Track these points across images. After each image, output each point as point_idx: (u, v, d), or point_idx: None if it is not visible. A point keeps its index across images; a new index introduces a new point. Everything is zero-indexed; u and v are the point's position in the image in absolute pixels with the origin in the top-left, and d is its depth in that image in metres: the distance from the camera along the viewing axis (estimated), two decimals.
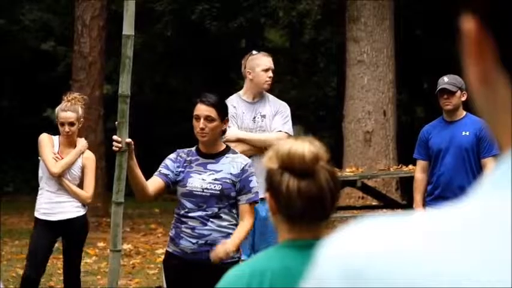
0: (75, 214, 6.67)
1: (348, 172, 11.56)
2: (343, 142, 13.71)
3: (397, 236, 0.78)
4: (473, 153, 6.59)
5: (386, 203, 12.02)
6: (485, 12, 0.79)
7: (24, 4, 18.87)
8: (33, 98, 19.39)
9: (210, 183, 4.83)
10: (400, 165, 11.75)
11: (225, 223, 4.84)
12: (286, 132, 6.18)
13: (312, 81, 19.74)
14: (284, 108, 6.34)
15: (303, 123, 19.21)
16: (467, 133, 6.61)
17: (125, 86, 4.92)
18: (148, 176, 4.92)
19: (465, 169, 6.58)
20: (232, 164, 4.87)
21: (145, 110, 17.68)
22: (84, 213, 6.73)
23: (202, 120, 4.84)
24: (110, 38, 14.28)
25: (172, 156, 4.96)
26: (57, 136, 6.74)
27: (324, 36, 17.95)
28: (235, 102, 6.18)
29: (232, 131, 5.96)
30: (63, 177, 6.64)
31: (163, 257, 5.19)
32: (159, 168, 4.93)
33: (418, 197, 6.85)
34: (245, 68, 6.30)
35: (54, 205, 6.64)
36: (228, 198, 4.83)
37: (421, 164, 6.88)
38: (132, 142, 4.81)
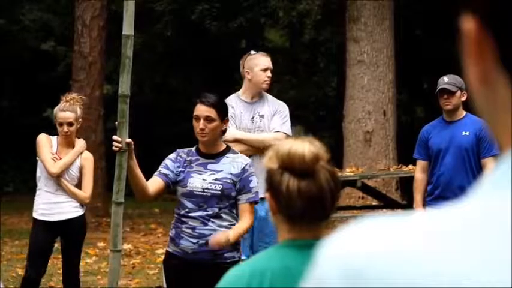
0: (74, 214, 6.67)
1: (348, 172, 11.56)
2: (343, 142, 13.71)
3: (397, 236, 0.78)
4: (473, 153, 6.59)
5: (387, 203, 12.02)
6: (485, 12, 0.79)
7: (24, 4, 18.88)
8: (33, 98, 19.39)
9: (210, 183, 4.83)
10: (400, 165, 11.75)
11: (225, 223, 4.83)
12: (284, 133, 6.16)
13: (312, 81, 19.74)
14: (283, 109, 6.32)
15: (303, 123, 19.21)
16: (467, 133, 6.61)
17: (124, 86, 4.92)
18: (148, 176, 4.92)
19: (465, 169, 6.58)
20: (232, 164, 4.87)
21: (145, 110, 17.69)
22: (82, 213, 6.73)
23: (202, 120, 4.84)
24: (110, 38, 14.29)
25: (172, 156, 4.96)
26: (55, 136, 6.74)
27: (324, 36, 17.96)
28: (233, 102, 6.17)
29: (230, 132, 5.96)
30: (62, 178, 6.64)
31: (163, 257, 5.19)
32: (159, 168, 4.93)
33: (418, 197, 6.85)
34: (243, 68, 6.30)
35: (52, 205, 6.63)
36: (229, 198, 4.83)
37: (421, 164, 6.88)
38: (132, 142, 4.81)
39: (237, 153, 5.01)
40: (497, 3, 0.78)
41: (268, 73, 6.27)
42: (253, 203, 4.87)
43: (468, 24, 0.81)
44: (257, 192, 4.86)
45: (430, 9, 16.12)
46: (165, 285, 5.02)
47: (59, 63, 18.34)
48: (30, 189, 6.89)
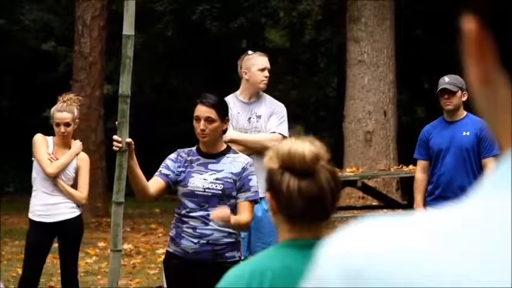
0: (71, 215, 6.67)
1: (348, 172, 11.56)
2: (343, 142, 13.71)
3: (398, 236, 0.78)
4: (474, 154, 6.59)
5: (387, 203, 12.02)
6: (486, 12, 0.79)
7: (24, 4, 18.88)
8: (33, 98, 19.39)
9: (211, 182, 4.83)
10: (400, 166, 11.76)
11: None
12: (280, 133, 6.14)
13: (313, 82, 19.74)
14: (280, 109, 6.29)
15: (304, 123, 19.21)
16: (468, 133, 6.61)
17: (125, 86, 4.92)
18: (148, 176, 4.92)
19: (466, 169, 6.58)
20: (233, 164, 4.87)
21: (146, 110, 17.69)
22: (79, 213, 6.74)
23: (202, 121, 4.84)
24: (110, 38, 14.29)
25: (172, 156, 4.96)
26: (52, 137, 6.74)
27: (325, 37, 17.96)
28: (231, 103, 6.15)
29: (227, 132, 5.95)
30: (58, 178, 6.64)
31: (163, 256, 5.19)
32: (160, 169, 4.93)
33: (418, 197, 6.85)
34: (241, 68, 6.28)
35: (49, 207, 6.62)
36: (230, 197, 4.83)
37: (421, 164, 6.88)
38: (133, 142, 4.81)
39: (238, 153, 5.01)
40: (497, 3, 0.78)
41: (266, 73, 6.26)
42: (252, 201, 4.85)
43: (469, 24, 0.81)
44: (257, 192, 4.85)
45: (430, 9, 16.12)
46: (165, 285, 5.02)
47: (60, 64, 18.35)
48: (31, 189, 6.88)
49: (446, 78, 6.67)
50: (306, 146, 2.40)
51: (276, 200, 2.43)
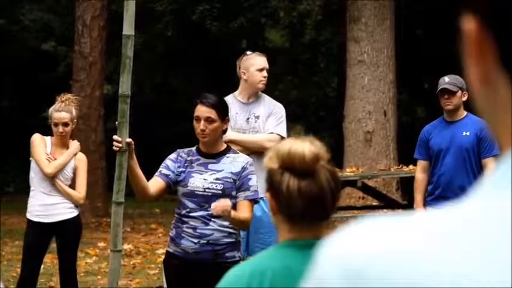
0: (69, 215, 6.66)
1: (348, 172, 11.57)
2: (343, 142, 13.71)
3: (398, 236, 0.78)
4: (474, 154, 6.59)
5: (387, 203, 12.02)
6: (486, 12, 0.79)
7: (24, 4, 18.88)
8: (33, 98, 19.39)
9: (211, 182, 4.83)
10: (400, 166, 11.76)
11: (226, 223, 4.83)
12: (278, 134, 6.14)
13: (313, 82, 19.74)
14: (279, 110, 6.28)
15: (304, 123, 19.21)
16: (468, 133, 6.61)
17: (125, 86, 4.92)
18: (148, 176, 4.92)
19: (466, 169, 6.58)
20: (233, 164, 4.87)
21: (146, 110, 17.69)
22: (77, 213, 6.73)
23: (202, 121, 4.84)
24: (110, 38, 14.29)
25: (172, 156, 4.96)
26: (50, 137, 6.74)
27: (325, 37, 17.96)
28: (229, 103, 6.15)
29: None
30: (56, 178, 6.64)
31: (163, 257, 5.19)
32: (160, 169, 4.93)
33: (418, 197, 6.85)
34: (240, 68, 6.28)
35: (48, 207, 6.62)
36: (230, 197, 4.82)
37: (421, 164, 6.89)
38: (133, 142, 4.81)
39: (238, 152, 5.01)
40: (497, 3, 0.78)
41: (264, 73, 6.25)
42: (252, 200, 4.84)
43: (469, 25, 0.81)
44: (256, 191, 4.85)
45: (430, 9, 16.12)
46: (165, 286, 5.02)
47: (60, 64, 18.35)
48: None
49: (446, 78, 6.67)
50: (306, 146, 2.40)
51: (276, 200, 2.43)
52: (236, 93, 6.30)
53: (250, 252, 5.95)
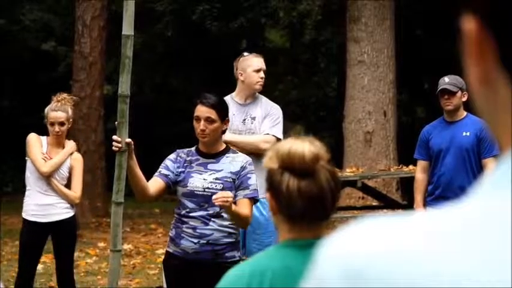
0: (65, 215, 6.66)
1: (348, 172, 11.57)
2: (343, 142, 13.71)
3: (398, 236, 0.78)
4: (474, 154, 6.59)
5: (387, 204, 12.03)
6: (486, 12, 0.79)
7: (24, 4, 18.88)
8: (33, 98, 19.37)
9: (211, 182, 4.83)
10: (400, 166, 11.76)
11: (226, 222, 4.83)
12: (274, 135, 6.12)
13: (313, 82, 19.73)
14: (275, 111, 6.26)
15: (304, 123, 19.21)
16: (468, 133, 6.61)
17: (124, 86, 4.92)
18: (148, 176, 4.92)
19: (466, 169, 6.58)
20: (232, 163, 4.87)
21: (146, 110, 17.68)
22: (73, 214, 6.73)
23: (202, 121, 4.84)
24: (110, 38, 14.29)
25: (172, 156, 4.96)
26: (45, 137, 6.74)
27: (325, 37, 17.96)
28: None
29: None
30: (52, 177, 6.64)
31: (163, 257, 5.19)
32: (159, 169, 4.93)
33: (418, 197, 6.85)
34: (237, 69, 6.27)
35: (45, 207, 6.62)
36: None
37: (421, 164, 6.89)
38: (132, 142, 4.81)
39: (237, 152, 5.02)
40: (497, 3, 0.78)
41: (261, 74, 6.24)
42: (251, 199, 4.84)
43: (469, 25, 0.81)
44: (256, 190, 4.84)
45: (430, 9, 16.12)
46: (165, 286, 5.02)
47: (60, 64, 18.34)
48: None
49: (446, 79, 6.67)
50: (306, 146, 2.40)
51: (276, 200, 2.43)
52: (233, 94, 6.29)
53: (247, 253, 5.94)
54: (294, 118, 17.75)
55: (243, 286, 2.39)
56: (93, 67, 14.26)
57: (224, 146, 4.98)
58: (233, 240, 4.89)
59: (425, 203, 6.78)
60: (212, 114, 4.84)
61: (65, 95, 6.74)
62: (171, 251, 4.94)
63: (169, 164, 4.92)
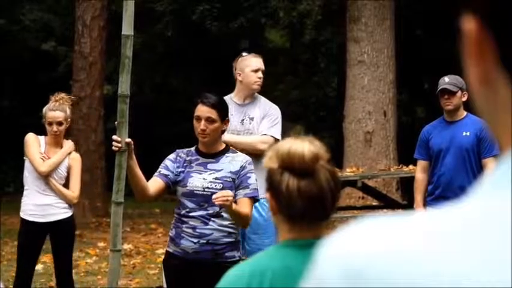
0: (63, 215, 6.66)
1: (348, 172, 11.57)
2: (343, 142, 13.71)
3: (398, 236, 0.78)
4: (474, 154, 6.59)
5: (387, 203, 12.03)
6: (486, 12, 0.79)
7: (24, 4, 18.88)
8: (33, 98, 19.37)
9: (211, 182, 4.83)
10: (400, 166, 11.77)
11: (226, 222, 4.83)
12: (272, 136, 6.12)
13: (313, 82, 19.72)
14: (274, 111, 6.25)
15: (304, 123, 19.20)
16: (468, 133, 6.61)
17: (124, 86, 4.92)
18: (148, 176, 4.92)
19: (466, 169, 6.58)
20: (232, 163, 4.87)
21: (145, 110, 17.68)
22: (71, 214, 6.73)
23: (203, 121, 4.84)
24: (110, 38, 14.29)
25: (171, 156, 4.96)
26: (43, 136, 6.74)
27: (325, 37, 17.95)
28: None
29: None
30: (50, 177, 6.63)
31: (163, 257, 5.19)
32: (159, 169, 4.93)
33: (418, 197, 6.85)
34: (235, 69, 6.27)
35: (43, 207, 6.62)
36: None
37: (421, 164, 6.89)
38: (132, 142, 4.81)
39: (237, 152, 5.01)
40: (497, 3, 0.78)
41: (260, 74, 6.23)
42: (251, 198, 4.84)
43: (469, 25, 0.81)
44: (256, 189, 4.84)
45: (430, 9, 16.12)
46: (165, 286, 5.02)
47: (60, 64, 18.34)
48: None
49: (446, 79, 6.67)
50: (306, 146, 2.39)
51: (276, 200, 2.43)
52: (232, 94, 6.28)
53: (246, 252, 5.93)
54: (294, 118, 17.74)
55: (243, 286, 2.39)
56: (93, 67, 14.26)
57: (224, 145, 4.98)
58: (233, 240, 4.89)
59: (425, 203, 6.78)
60: (213, 114, 4.84)
61: (62, 95, 6.74)
62: (171, 250, 4.94)
63: (169, 164, 4.92)
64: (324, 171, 2.39)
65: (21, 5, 18.77)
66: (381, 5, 13.47)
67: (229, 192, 4.63)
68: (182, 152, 4.97)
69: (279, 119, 6.23)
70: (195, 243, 4.81)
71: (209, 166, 4.88)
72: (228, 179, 4.83)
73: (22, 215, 6.69)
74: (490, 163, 6.47)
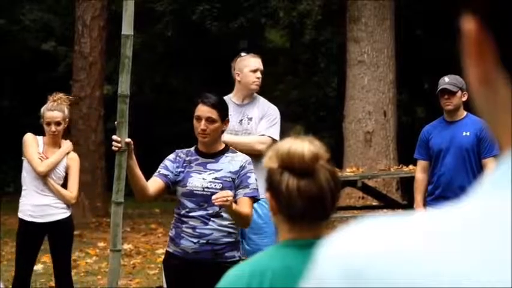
0: (62, 216, 6.65)
1: (348, 172, 11.57)
2: (343, 142, 13.71)
3: (398, 236, 0.78)
4: (474, 154, 6.59)
5: (387, 203, 12.03)
6: (486, 12, 0.79)
7: (24, 4, 18.88)
8: (33, 98, 19.36)
9: (210, 182, 4.83)
10: (400, 166, 11.77)
11: (226, 222, 4.83)
12: (270, 136, 6.11)
13: (313, 82, 19.73)
14: (272, 112, 6.24)
15: (304, 123, 19.20)
16: (468, 133, 6.61)
17: (124, 85, 4.92)
18: (148, 176, 4.92)
19: (466, 169, 6.58)
20: (231, 163, 4.87)
21: (145, 110, 17.68)
22: (69, 214, 6.72)
23: (203, 121, 4.84)
24: (110, 38, 14.29)
25: (171, 156, 4.96)
26: (42, 137, 6.74)
27: (325, 37, 17.95)
28: None
29: None
30: (48, 177, 6.63)
31: (163, 257, 5.19)
32: (159, 169, 4.93)
33: (418, 197, 6.85)
34: (234, 70, 6.27)
35: (42, 207, 6.61)
36: None
37: (421, 164, 6.89)
38: (132, 142, 4.81)
39: (236, 152, 5.01)
40: (497, 4, 0.78)
41: (258, 74, 6.22)
42: (251, 198, 4.83)
43: (468, 25, 0.81)
44: (256, 189, 4.84)
45: (430, 9, 16.12)
46: (165, 286, 5.02)
47: (60, 64, 18.34)
48: None
49: (446, 79, 6.67)
50: (305, 146, 2.39)
51: (276, 200, 2.43)
52: (231, 94, 6.28)
53: (245, 253, 5.93)
54: (294, 118, 17.74)
55: (243, 286, 2.39)
56: (93, 67, 14.26)
57: (223, 145, 4.98)
58: (233, 240, 4.89)
59: (425, 203, 6.78)
60: (213, 114, 4.84)
61: (60, 95, 6.74)
62: (171, 250, 4.94)
63: (169, 164, 4.92)
64: (324, 171, 2.39)
65: (21, 5, 18.77)
66: (381, 5, 13.47)
67: (229, 193, 4.63)
68: (182, 152, 4.97)
69: (278, 120, 6.22)
70: (195, 243, 4.81)
71: (209, 166, 4.88)
72: (228, 179, 4.83)
73: (20, 215, 6.69)
74: (490, 163, 6.46)
